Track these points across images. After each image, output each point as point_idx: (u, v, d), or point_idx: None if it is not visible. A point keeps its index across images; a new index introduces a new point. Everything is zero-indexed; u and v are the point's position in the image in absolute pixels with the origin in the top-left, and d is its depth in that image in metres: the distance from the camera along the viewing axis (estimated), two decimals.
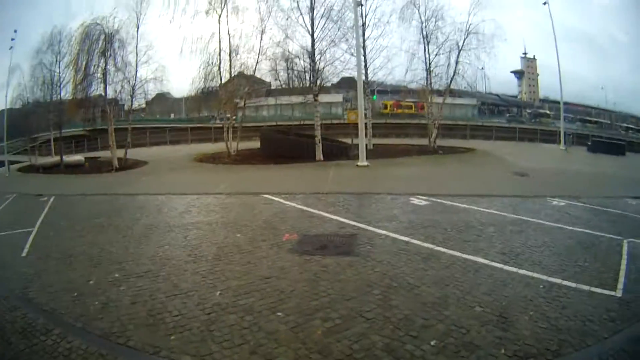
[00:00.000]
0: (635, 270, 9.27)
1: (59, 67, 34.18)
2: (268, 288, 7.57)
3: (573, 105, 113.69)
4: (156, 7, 45.23)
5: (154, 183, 22.70)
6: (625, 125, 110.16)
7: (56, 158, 34.90)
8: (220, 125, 36.78)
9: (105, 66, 31.46)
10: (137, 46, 32.02)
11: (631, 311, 7.18)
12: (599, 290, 7.98)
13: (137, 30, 32.02)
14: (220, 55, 32.80)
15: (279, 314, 6.63)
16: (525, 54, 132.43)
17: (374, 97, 39.35)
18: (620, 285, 8.29)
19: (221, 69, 33.02)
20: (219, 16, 32.58)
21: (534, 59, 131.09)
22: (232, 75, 33.69)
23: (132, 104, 33.88)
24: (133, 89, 32.27)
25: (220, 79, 33.45)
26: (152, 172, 27.34)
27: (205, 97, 35.11)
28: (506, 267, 8.88)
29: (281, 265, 8.72)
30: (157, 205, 15.94)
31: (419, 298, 7.28)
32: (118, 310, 6.88)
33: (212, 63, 32.84)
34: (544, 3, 44.24)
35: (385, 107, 67.54)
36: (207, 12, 32.61)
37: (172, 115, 68.92)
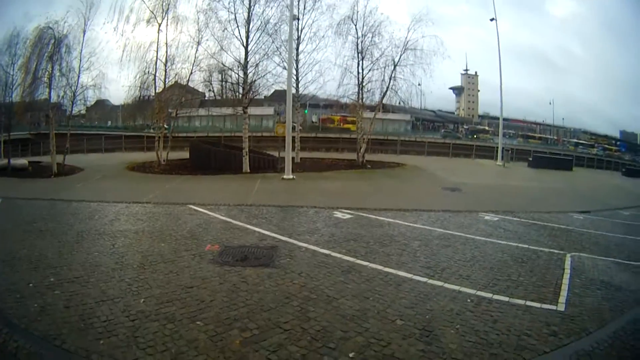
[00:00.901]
0: (580, 285, 9.46)
1: (13, 69, 33.58)
2: (189, 297, 7.63)
3: (515, 121, 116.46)
4: (103, 14, 44.91)
5: (87, 190, 22.42)
6: (575, 140, 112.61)
7: (4, 161, 34.09)
8: (153, 135, 36.79)
9: (51, 70, 30.96)
10: (81, 52, 31.70)
11: (577, 325, 7.28)
12: (536, 304, 8.08)
13: (84, 36, 31.62)
14: (156, 64, 32.99)
15: (199, 322, 6.70)
16: (466, 70, 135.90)
17: (305, 111, 39.71)
18: (562, 300, 8.43)
19: (156, 78, 33.17)
20: (159, 25, 32.84)
21: (476, 75, 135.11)
22: (167, 84, 33.99)
23: (72, 110, 33.26)
24: (74, 95, 31.84)
25: (155, 88, 33.62)
26: (86, 179, 26.95)
27: (140, 105, 35.03)
28: (430, 281, 8.98)
29: (202, 275, 8.79)
30: (89, 212, 15.77)
31: (338, 310, 7.34)
32: (54, 313, 6.85)
33: (148, 72, 32.96)
34: (492, 19, 45.53)
35: (333, 121, 68.15)
36: (148, 21, 32.76)
37: (109, 123, 68.52)
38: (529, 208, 20.25)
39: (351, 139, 46.04)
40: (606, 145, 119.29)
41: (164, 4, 32.60)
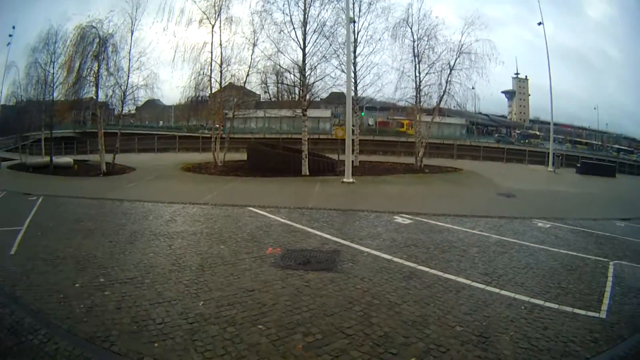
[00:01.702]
0: (620, 292, 9.40)
1: (53, 68, 33.72)
2: (250, 300, 7.64)
3: (563, 126, 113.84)
4: (151, 14, 45.16)
5: (140, 190, 22.63)
6: (617, 146, 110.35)
7: (46, 158, 34.44)
8: (209, 136, 36.85)
9: (98, 70, 31.29)
10: (130, 51, 31.96)
11: (615, 332, 7.32)
12: (582, 311, 8.08)
13: (131, 36, 32.03)
14: (211, 65, 32.89)
15: (261, 326, 6.68)
16: (517, 74, 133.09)
17: (362, 113, 39.46)
18: (604, 307, 8.43)
19: (212, 79, 33.06)
20: (212, 26, 32.70)
21: (526, 79, 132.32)
22: (222, 85, 33.75)
23: (122, 109, 33.60)
24: (124, 94, 32.09)
25: (211, 89, 33.51)
26: (139, 178, 27.17)
27: (195, 106, 34.97)
28: (488, 288, 8.98)
29: (264, 279, 8.79)
30: (143, 212, 15.92)
31: (400, 316, 7.35)
32: (103, 314, 6.90)
33: (203, 73, 32.84)
34: (539, 24, 44.51)
35: (402, 125, 67.67)
36: (200, 22, 32.67)
37: (161, 123, 68.82)
38: (577, 215, 19.90)
39: (408, 142, 45.83)
40: None
41: (216, 5, 32.71)
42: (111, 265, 9.39)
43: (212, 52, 32.76)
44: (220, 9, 32.67)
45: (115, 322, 6.63)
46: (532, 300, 8.47)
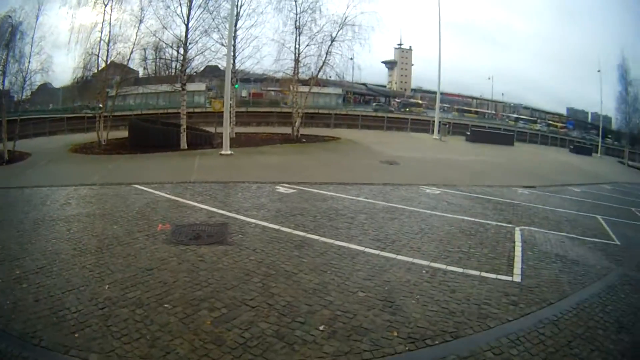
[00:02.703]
0: (534, 257, 9.89)
1: None
2: (151, 280, 7.63)
3: (450, 95, 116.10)
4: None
5: (38, 175, 21.85)
6: (515, 116, 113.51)
7: None
8: (92, 115, 36.79)
9: (6, 57, 30.72)
10: (33, 37, 31.30)
11: (537, 296, 7.70)
12: (491, 275, 8.55)
13: (36, 21, 31.34)
14: (99, 44, 32.57)
15: (167, 305, 6.72)
16: (400, 44, 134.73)
17: (236, 85, 39.59)
18: (517, 271, 8.85)
19: (99, 58, 32.81)
20: (105, 5, 32.33)
21: (410, 49, 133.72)
22: (107, 64, 33.55)
23: (22, 96, 32.84)
24: (24, 80, 31.43)
25: (98, 68, 33.25)
26: (35, 164, 26.29)
27: (82, 86, 34.94)
28: (383, 253, 9.36)
29: (160, 256, 8.79)
30: (41, 198, 15.37)
31: (299, 285, 7.58)
32: (27, 309, 6.66)
33: (91, 52, 32.52)
34: None
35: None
36: (95, 2, 32.26)
37: (51, 106, 67.41)
38: (470, 182, 20.85)
39: (282, 112, 47.01)
40: (550, 122, 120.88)
41: None
42: (22, 256, 9.03)
43: (101, 31, 32.50)
44: None
45: (38, 316, 6.38)
46: (433, 264, 8.97)
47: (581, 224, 14.93)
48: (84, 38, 32.07)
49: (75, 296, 7.00)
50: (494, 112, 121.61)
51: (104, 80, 33.70)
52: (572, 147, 63.23)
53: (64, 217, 12.03)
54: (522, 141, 60.48)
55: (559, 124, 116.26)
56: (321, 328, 6.10)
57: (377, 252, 9.39)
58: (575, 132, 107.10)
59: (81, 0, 32.24)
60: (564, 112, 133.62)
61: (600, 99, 69.53)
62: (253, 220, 11.49)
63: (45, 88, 52.67)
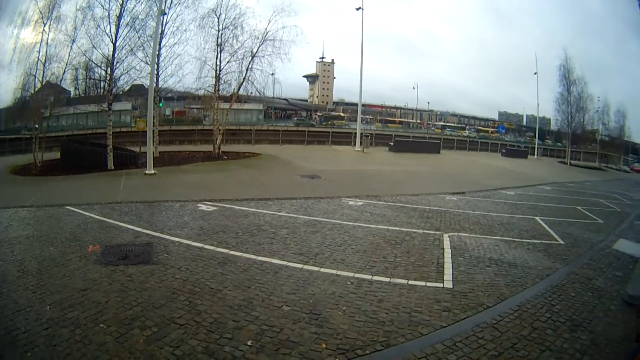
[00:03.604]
0: (465, 263, 10.13)
1: None
2: (86, 300, 7.74)
3: (373, 106, 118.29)
4: (5, 18, 43.49)
5: None
6: (441, 123, 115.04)
7: None
8: (29, 136, 35.78)
9: None
10: None
11: (472, 301, 7.87)
12: (420, 283, 8.76)
13: None
14: (37, 65, 31.89)
15: (102, 325, 6.85)
16: (322, 57, 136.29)
17: (160, 104, 39.40)
18: (447, 277, 9.03)
19: (36, 79, 32.13)
20: (44, 25, 31.68)
21: (332, 62, 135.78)
22: (42, 84, 32.87)
23: None
24: None
25: (34, 89, 32.61)
26: None
27: (20, 107, 34.50)
28: (306, 267, 9.55)
29: (92, 277, 8.88)
30: None
31: (224, 301, 7.74)
32: None
33: (30, 73, 31.91)
34: (358, 9, 45.88)
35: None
36: (35, 22, 31.60)
37: None
38: (393, 191, 20.97)
39: (205, 130, 46.95)
40: (481, 127, 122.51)
41: (50, 3, 31.65)
42: None
43: (39, 52, 31.89)
44: (54, 7, 31.76)
45: None
46: (358, 275, 9.13)
47: (517, 227, 15.16)
48: (24, 58, 31.76)
49: (23, 317, 7.11)
50: (419, 121, 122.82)
51: (39, 100, 33.28)
52: (504, 151, 64.42)
53: (7, 240, 12.00)
54: (449, 149, 61.21)
55: (490, 129, 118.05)
56: (249, 343, 6.26)
57: (300, 265, 9.60)
58: (508, 135, 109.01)
59: (25, 19, 31.88)
60: (496, 117, 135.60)
61: (537, 101, 70.70)
62: (177, 239, 11.65)
63: None
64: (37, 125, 34.03)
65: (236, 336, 6.44)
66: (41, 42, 31.79)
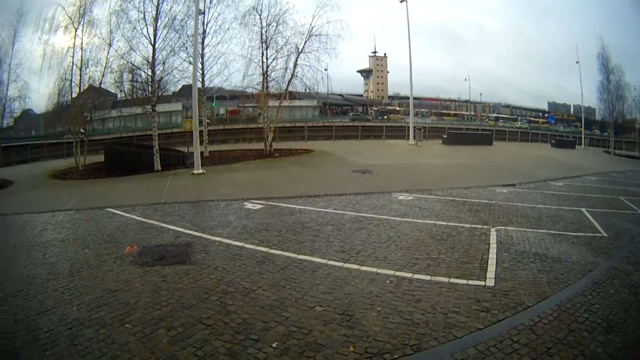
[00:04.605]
0: (510, 259, 9.78)
1: None
2: (115, 301, 7.77)
3: (428, 99, 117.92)
4: (30, 25, 43.97)
5: (19, 202, 21.48)
6: (494, 115, 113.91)
7: None
8: (71, 140, 35.85)
9: None
10: (10, 64, 31.45)
11: (512, 300, 7.55)
12: (462, 281, 8.43)
13: (12, 48, 31.80)
14: (72, 69, 32.43)
15: (128, 325, 6.86)
16: (375, 52, 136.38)
17: (213, 104, 39.24)
18: (490, 275, 8.69)
19: (72, 83, 32.62)
20: (75, 30, 32.25)
21: (385, 57, 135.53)
22: (82, 88, 33.38)
23: (2, 123, 32.88)
24: (4, 108, 31.65)
25: (71, 93, 33.05)
26: (18, 191, 25.73)
27: (59, 112, 34.64)
28: (346, 265, 9.31)
29: (124, 278, 8.92)
30: (21, 224, 15.48)
31: (256, 302, 7.60)
32: (7, 328, 6.91)
33: (65, 78, 32.39)
34: (402, 1, 45.99)
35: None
36: (65, 27, 32.13)
37: (33, 132, 67.26)
38: (444, 185, 20.73)
39: (258, 128, 46.14)
40: (532, 118, 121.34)
41: (80, 9, 32.11)
42: (2, 280, 9.19)
43: (73, 56, 32.42)
44: (84, 12, 32.28)
45: (16, 335, 6.69)
46: (398, 273, 8.85)
47: (564, 219, 14.78)
48: (56, 63, 31.98)
49: (47, 317, 7.17)
50: (473, 113, 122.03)
51: (81, 104, 33.50)
52: (553, 141, 63.43)
53: (41, 243, 12.08)
54: (502, 140, 60.75)
55: (541, 120, 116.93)
56: (274, 345, 6.12)
57: (340, 264, 9.40)
58: (558, 126, 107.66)
59: (53, 25, 32.11)
60: (545, 107, 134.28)
61: (580, 91, 69.61)
62: (217, 239, 11.60)
63: (27, 114, 52.94)
64: (81, 129, 34.41)
65: (262, 337, 6.30)
66: (74, 46, 32.20)
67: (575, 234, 12.73)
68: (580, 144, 67.54)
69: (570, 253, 10.64)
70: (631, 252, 11.32)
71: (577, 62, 68.13)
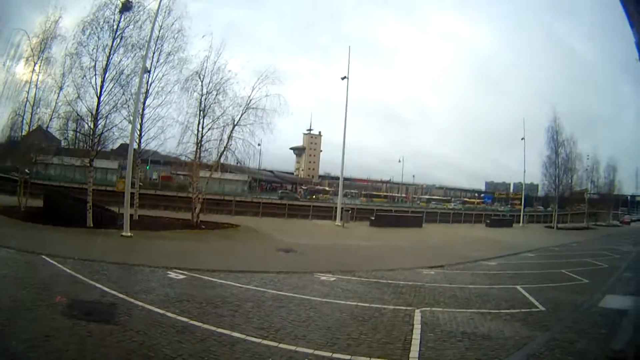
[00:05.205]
0: (435, 339, 9.83)
1: None
2: (48, 346, 7.86)
3: (359, 180, 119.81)
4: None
5: None
6: (426, 197, 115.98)
7: None
8: (17, 178, 35.44)
9: None
10: None
11: None
12: None
13: None
14: (25, 106, 32.11)
15: None
16: (310, 129, 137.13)
17: (147, 167, 39.04)
18: (413, 354, 8.70)
19: (23, 121, 32.36)
20: (34, 64, 31.85)
21: (319, 135, 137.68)
22: (31, 128, 33.02)
23: None
24: None
25: (21, 131, 32.74)
26: None
27: (9, 147, 34.42)
28: (265, 342, 9.17)
29: (55, 326, 8.98)
30: None
31: None
32: None
33: (18, 113, 32.14)
34: (343, 78, 46.82)
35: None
36: (26, 60, 31.88)
37: None
38: (369, 267, 20.52)
39: (188, 198, 43.69)
40: (467, 199, 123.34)
41: (42, 42, 31.73)
42: None
43: (28, 92, 32.06)
44: (45, 47, 31.94)
45: None
46: (317, 352, 8.72)
47: (495, 297, 15.04)
48: (14, 95, 31.96)
49: None
50: (404, 195, 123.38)
51: (28, 145, 33.25)
52: (488, 221, 63.89)
53: None
54: (433, 222, 60.41)
55: (476, 200, 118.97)
56: None
57: (258, 340, 9.25)
58: (496, 205, 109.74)
59: (17, 53, 32.14)
60: (482, 187, 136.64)
61: (523, 167, 70.69)
62: (140, 303, 11.57)
63: None
64: (26, 170, 34.27)
65: None
66: (31, 82, 31.96)
67: (508, 311, 12.91)
68: (519, 222, 68.89)
69: (502, 329, 10.75)
70: (575, 322, 11.72)
71: (522, 139, 69.33)
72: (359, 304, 13.02)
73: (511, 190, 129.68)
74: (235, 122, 34.58)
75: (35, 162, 35.11)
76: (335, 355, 8.46)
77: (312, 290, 14.85)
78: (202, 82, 34.54)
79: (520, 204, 79.53)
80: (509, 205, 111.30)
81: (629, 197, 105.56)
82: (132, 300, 11.78)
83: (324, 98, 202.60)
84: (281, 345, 8.89)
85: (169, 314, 10.66)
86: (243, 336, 9.35)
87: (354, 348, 8.96)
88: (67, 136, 35.16)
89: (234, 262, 20.07)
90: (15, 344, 7.65)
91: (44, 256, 16.48)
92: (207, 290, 13.97)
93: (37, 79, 31.98)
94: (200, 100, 34.75)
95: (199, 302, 12.20)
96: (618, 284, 17.62)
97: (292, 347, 8.82)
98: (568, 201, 74.11)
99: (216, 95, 34.67)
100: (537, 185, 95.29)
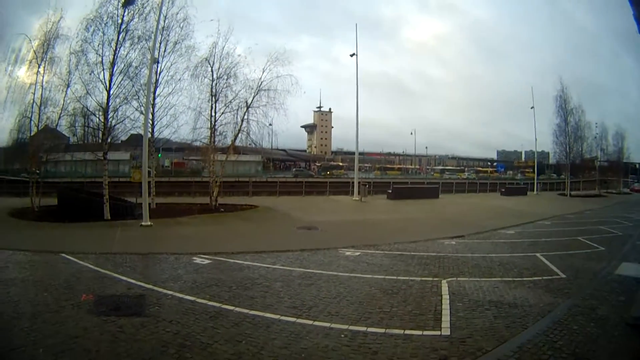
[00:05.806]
0: (464, 308, 9.87)
1: None
2: (77, 347, 7.69)
3: (372, 154, 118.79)
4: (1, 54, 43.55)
5: None
6: (440, 167, 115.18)
7: None
8: (27, 179, 35.54)
9: None
10: None
11: (470, 346, 7.63)
12: (417, 332, 8.42)
13: None
14: (32, 107, 32.09)
15: None
16: (320, 107, 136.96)
17: (159, 155, 38.89)
18: (445, 325, 8.75)
19: (31, 122, 32.29)
20: (38, 66, 31.88)
21: (329, 111, 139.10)
22: (39, 128, 32.93)
23: None
24: None
25: (29, 132, 32.66)
26: None
27: (18, 149, 34.53)
28: (299, 320, 9.22)
29: (83, 326, 8.77)
30: None
31: (214, 356, 7.51)
32: None
33: (25, 115, 32.13)
34: (352, 55, 46.77)
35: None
36: (29, 62, 31.89)
37: None
38: (391, 240, 20.49)
39: (203, 182, 46.06)
40: (479, 168, 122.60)
41: (45, 43, 31.76)
42: None
43: (34, 94, 32.04)
44: (48, 48, 31.95)
45: None
46: (352, 327, 8.75)
47: (517, 265, 14.95)
48: (19, 98, 31.87)
49: (17, 355, 7.27)
50: (417, 166, 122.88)
51: (36, 145, 33.28)
52: (503, 190, 63.66)
53: (3, 281, 12.20)
54: (448, 192, 60.81)
55: (489, 169, 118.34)
56: None
57: (293, 319, 9.29)
58: (509, 174, 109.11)
59: (19, 57, 32.07)
60: (494, 156, 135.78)
61: (534, 136, 70.33)
62: (169, 292, 11.47)
63: None
64: (35, 170, 34.26)
65: None
66: (36, 83, 31.93)
67: (531, 278, 12.92)
68: (533, 190, 68.77)
69: (527, 297, 10.78)
70: (595, 289, 11.67)
71: (531, 107, 69.14)
72: (386, 277, 13.04)
73: (522, 158, 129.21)
74: (248, 105, 34.79)
75: (46, 161, 34.92)
76: (370, 329, 8.51)
77: (338, 266, 14.86)
78: (212, 67, 34.68)
79: (532, 172, 79.56)
80: (522, 174, 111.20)
81: (638, 164, 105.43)
82: (160, 289, 11.70)
83: (332, 74, 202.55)
84: (316, 323, 8.98)
85: (200, 300, 10.65)
86: (277, 316, 9.39)
87: (387, 321, 9.03)
88: (77, 132, 35.34)
89: (257, 243, 20.01)
90: (42, 352, 7.38)
91: (63, 254, 16.26)
92: (235, 273, 13.89)
93: (43, 79, 31.96)
94: (212, 85, 34.87)
95: (228, 286, 12.16)
96: (632, 252, 17.54)
97: (327, 324, 8.90)
98: (579, 169, 73.60)
99: (227, 79, 34.83)
100: (548, 153, 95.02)
